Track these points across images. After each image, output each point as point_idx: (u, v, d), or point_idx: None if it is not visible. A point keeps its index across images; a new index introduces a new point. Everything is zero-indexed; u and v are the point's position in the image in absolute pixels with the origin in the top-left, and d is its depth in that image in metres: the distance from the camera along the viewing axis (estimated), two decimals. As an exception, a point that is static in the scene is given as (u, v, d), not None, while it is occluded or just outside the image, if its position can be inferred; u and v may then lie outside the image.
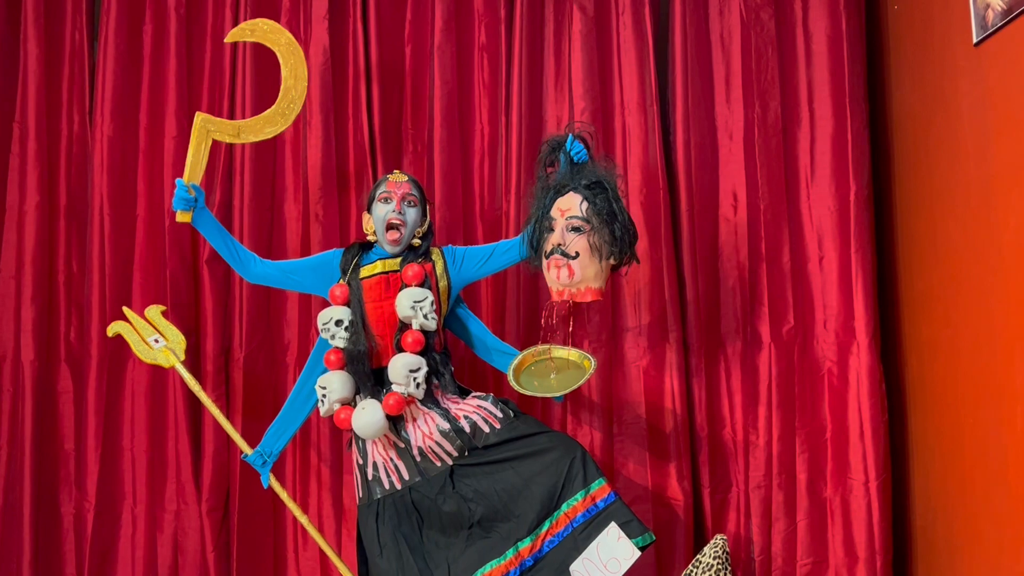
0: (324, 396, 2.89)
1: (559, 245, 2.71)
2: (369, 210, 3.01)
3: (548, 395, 2.83)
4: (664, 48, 3.61)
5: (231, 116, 3.50)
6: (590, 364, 2.84)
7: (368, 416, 2.81)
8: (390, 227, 2.94)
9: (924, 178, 3.26)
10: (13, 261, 3.47)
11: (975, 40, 2.85)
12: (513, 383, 2.85)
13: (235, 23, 3.51)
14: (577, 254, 2.70)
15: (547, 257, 2.75)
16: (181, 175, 2.95)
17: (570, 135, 2.84)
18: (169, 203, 3.43)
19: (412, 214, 2.97)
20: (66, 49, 3.56)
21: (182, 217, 2.92)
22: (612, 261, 2.76)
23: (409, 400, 2.85)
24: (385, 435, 2.87)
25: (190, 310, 3.46)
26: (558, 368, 2.89)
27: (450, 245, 3.09)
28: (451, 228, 3.47)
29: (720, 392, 3.49)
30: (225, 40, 3.12)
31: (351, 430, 2.88)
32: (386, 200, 2.96)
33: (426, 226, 3.03)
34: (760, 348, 3.47)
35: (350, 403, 2.91)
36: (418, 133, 3.56)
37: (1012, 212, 2.68)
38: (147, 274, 3.44)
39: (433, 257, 2.99)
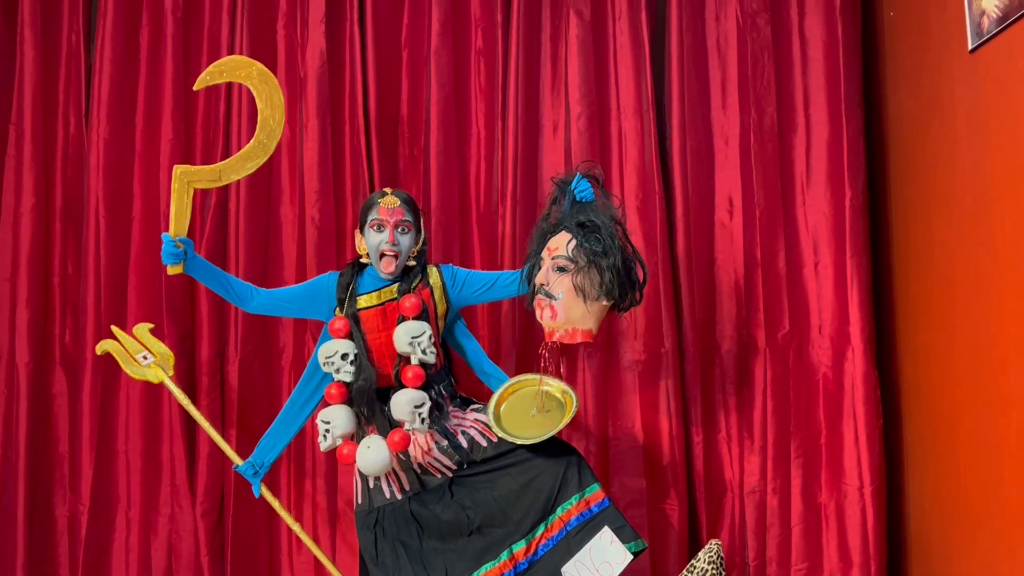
0: (327, 431, 2.82)
1: (543, 285, 2.66)
2: (362, 230, 2.93)
3: (526, 441, 2.78)
4: (660, 53, 3.61)
5: (227, 118, 3.51)
6: (571, 402, 2.82)
7: (374, 455, 2.78)
8: (383, 256, 2.88)
9: (919, 184, 3.26)
10: (8, 263, 3.47)
11: (970, 47, 2.85)
12: (495, 426, 2.81)
13: (231, 27, 3.52)
14: (560, 295, 2.63)
15: (534, 296, 2.71)
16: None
17: (578, 173, 2.79)
18: (166, 206, 3.42)
19: (406, 241, 2.89)
20: (62, 51, 3.56)
21: (173, 270, 2.85)
22: (604, 302, 2.67)
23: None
24: None
25: (185, 313, 3.46)
26: (538, 405, 2.86)
27: (451, 264, 3.05)
28: (447, 233, 3.47)
29: (715, 396, 3.49)
30: (194, 88, 2.91)
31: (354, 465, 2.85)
32: (379, 228, 2.87)
33: (421, 243, 2.96)
34: (755, 353, 3.47)
35: (352, 437, 2.87)
36: (415, 137, 3.56)
37: (1007, 217, 2.68)
38: (142, 277, 3.43)
39: (431, 281, 2.93)
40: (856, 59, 3.53)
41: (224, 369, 3.44)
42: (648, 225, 3.46)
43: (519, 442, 2.78)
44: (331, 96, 3.51)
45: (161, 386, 3.30)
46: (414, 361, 2.81)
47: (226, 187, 3.46)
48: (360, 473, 2.92)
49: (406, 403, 2.78)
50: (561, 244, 2.65)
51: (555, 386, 2.89)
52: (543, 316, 2.68)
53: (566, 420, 2.78)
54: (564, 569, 2.71)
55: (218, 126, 3.50)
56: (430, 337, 2.82)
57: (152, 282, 3.43)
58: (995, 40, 2.73)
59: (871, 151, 3.55)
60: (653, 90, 3.54)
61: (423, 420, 2.78)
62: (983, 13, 2.77)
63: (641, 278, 2.74)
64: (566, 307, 2.64)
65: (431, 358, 2.82)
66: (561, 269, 2.64)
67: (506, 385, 2.92)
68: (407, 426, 2.79)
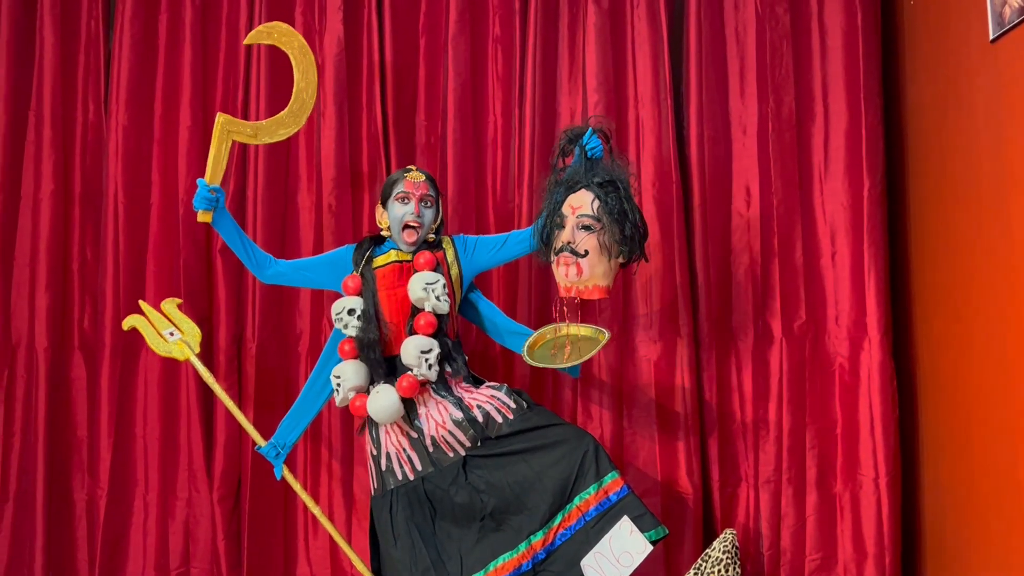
0: (339, 385, 2.92)
1: (569, 243, 2.72)
2: (384, 204, 3.02)
3: (563, 367, 2.84)
4: (679, 41, 3.60)
5: (245, 105, 3.52)
6: (604, 336, 2.84)
7: (383, 400, 2.83)
8: (407, 227, 2.95)
9: (938, 174, 3.25)
10: (28, 248, 3.49)
11: (991, 36, 2.83)
12: (527, 358, 2.86)
13: (250, 13, 3.53)
14: (587, 252, 2.71)
15: (556, 254, 2.76)
16: (195, 165, 2.96)
17: (589, 128, 2.83)
18: (184, 192, 3.46)
19: (429, 215, 2.99)
20: (82, 38, 3.57)
21: (203, 217, 2.92)
22: (621, 260, 2.77)
23: (423, 386, 2.87)
24: (398, 424, 2.89)
25: (203, 299, 3.48)
26: (572, 344, 2.88)
27: (461, 234, 3.10)
28: (463, 220, 3.48)
29: (730, 386, 3.49)
30: (245, 42, 3.15)
31: (367, 417, 2.90)
32: (404, 200, 2.96)
33: (439, 221, 3.05)
34: (771, 343, 3.47)
35: (364, 391, 2.93)
36: (431, 125, 3.56)
37: (1027, 209, 2.68)
38: (161, 262, 3.45)
39: (444, 246, 3.02)
40: (875, 48, 3.51)
41: (241, 354, 3.46)
42: (665, 214, 3.46)
43: (555, 367, 2.84)
44: (348, 83, 3.51)
45: (178, 370, 3.34)
46: (427, 308, 2.87)
47: (244, 172, 3.48)
48: (372, 457, 2.96)
49: (414, 348, 2.84)
50: (585, 203, 2.73)
51: (585, 329, 2.92)
52: (568, 273, 2.74)
53: (601, 344, 2.81)
54: (584, 561, 2.72)
55: (236, 113, 3.50)
56: (444, 286, 2.89)
57: (170, 267, 3.45)
58: (1017, 30, 2.72)
59: (889, 141, 3.53)
60: (671, 78, 3.53)
61: (431, 367, 2.84)
62: (1005, 2, 2.75)
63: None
64: (591, 264, 2.72)
65: (444, 306, 2.88)
66: (587, 228, 2.72)
67: (538, 332, 2.94)
68: (415, 371, 2.83)
